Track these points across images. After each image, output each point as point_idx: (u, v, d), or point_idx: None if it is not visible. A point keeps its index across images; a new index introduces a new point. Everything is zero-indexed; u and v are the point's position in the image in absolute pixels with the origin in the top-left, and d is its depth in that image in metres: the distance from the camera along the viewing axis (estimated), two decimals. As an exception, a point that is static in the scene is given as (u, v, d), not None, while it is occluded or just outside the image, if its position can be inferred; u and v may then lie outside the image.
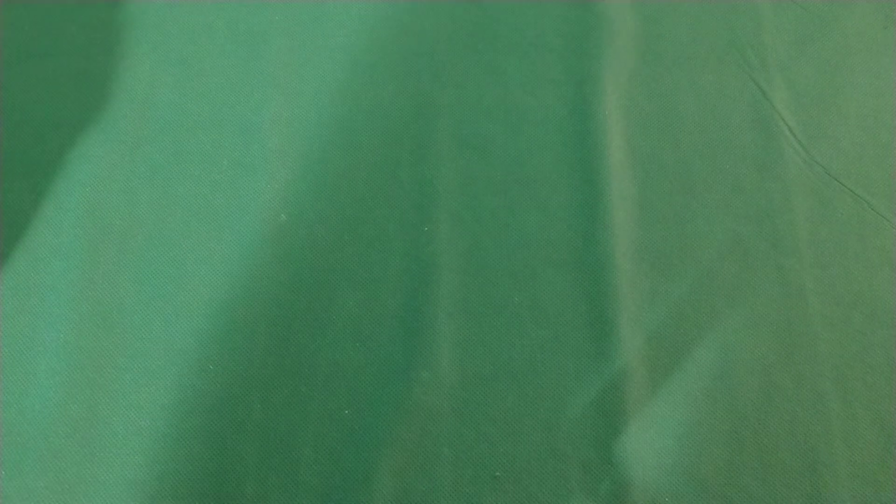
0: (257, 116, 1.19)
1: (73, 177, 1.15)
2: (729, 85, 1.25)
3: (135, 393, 1.05)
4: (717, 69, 1.26)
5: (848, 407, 1.08)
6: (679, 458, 1.05)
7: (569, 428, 1.06)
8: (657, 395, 1.08)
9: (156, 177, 1.16)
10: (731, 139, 1.22)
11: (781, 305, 1.13)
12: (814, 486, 1.05)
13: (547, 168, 1.19)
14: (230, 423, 1.04)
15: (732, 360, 1.10)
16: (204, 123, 1.19)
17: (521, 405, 1.07)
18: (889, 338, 1.12)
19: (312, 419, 1.05)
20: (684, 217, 1.17)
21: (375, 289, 1.11)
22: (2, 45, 1.22)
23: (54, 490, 1.01)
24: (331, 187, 1.16)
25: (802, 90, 1.25)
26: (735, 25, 1.29)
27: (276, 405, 1.05)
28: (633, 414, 1.07)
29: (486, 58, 1.25)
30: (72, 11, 1.24)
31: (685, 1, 1.30)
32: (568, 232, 1.15)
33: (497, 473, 1.04)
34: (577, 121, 1.21)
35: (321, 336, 1.09)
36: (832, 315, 1.13)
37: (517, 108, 1.22)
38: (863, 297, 1.14)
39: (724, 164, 1.20)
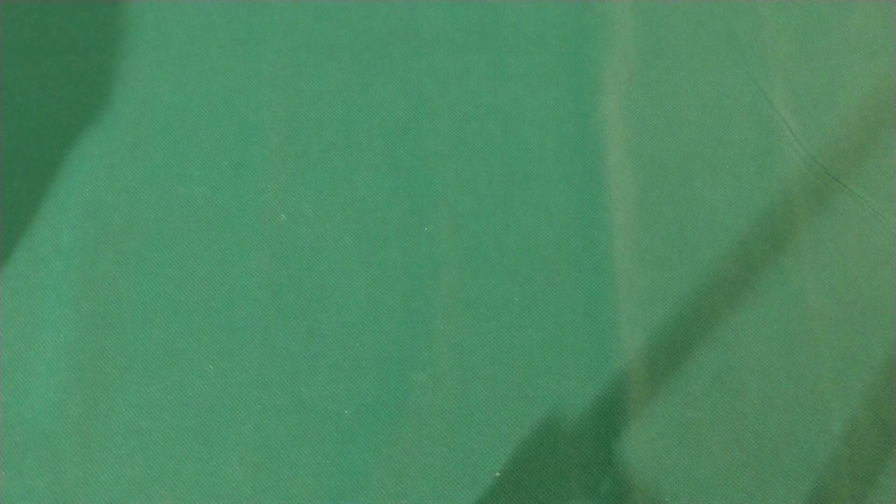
0: (257, 116, 1.19)
1: (73, 177, 1.15)
2: (729, 85, 1.25)
3: (135, 393, 1.05)
4: (717, 69, 1.26)
5: (848, 407, 1.08)
6: (679, 458, 1.05)
7: (569, 428, 1.06)
8: (657, 395, 1.08)
9: (156, 177, 1.16)
10: (731, 139, 1.22)
11: (781, 305, 1.13)
12: (814, 486, 1.05)
13: (547, 168, 1.19)
14: (230, 424, 1.04)
15: (732, 360, 1.10)
16: (204, 123, 1.19)
17: (521, 405, 1.07)
18: (889, 338, 1.12)
19: (312, 420, 1.05)
20: (684, 217, 1.17)
21: (375, 289, 1.11)
22: (2, 45, 1.22)
23: (54, 490, 1.01)
24: (331, 187, 1.16)
25: (802, 90, 1.25)
26: (735, 25, 1.29)
27: (275, 405, 1.05)
28: (633, 414, 1.07)
29: (486, 57, 1.25)
30: (72, 11, 1.24)
31: (685, 1, 1.30)
32: (567, 232, 1.15)
33: (497, 473, 1.04)
34: (577, 121, 1.21)
35: (321, 337, 1.09)
36: (832, 315, 1.13)
37: (517, 108, 1.22)
38: (863, 297, 1.14)
39: (725, 164, 1.20)
